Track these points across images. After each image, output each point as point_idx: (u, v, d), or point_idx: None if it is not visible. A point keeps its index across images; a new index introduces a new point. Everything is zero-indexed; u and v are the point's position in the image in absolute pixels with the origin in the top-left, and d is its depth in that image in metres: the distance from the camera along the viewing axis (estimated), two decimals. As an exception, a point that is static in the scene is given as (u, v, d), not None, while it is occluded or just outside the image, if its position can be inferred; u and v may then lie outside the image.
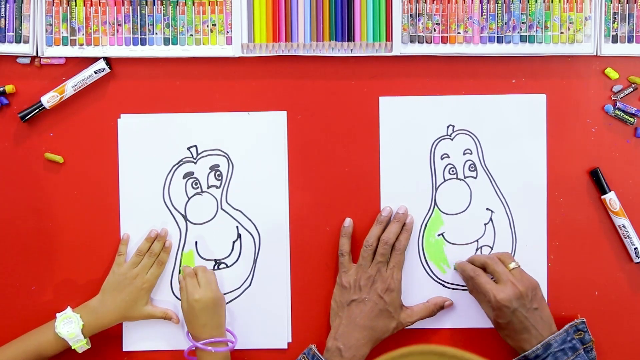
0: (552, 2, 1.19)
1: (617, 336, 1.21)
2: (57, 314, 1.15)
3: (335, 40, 1.19)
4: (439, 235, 1.21)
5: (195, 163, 1.20)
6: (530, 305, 1.12)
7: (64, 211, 1.20)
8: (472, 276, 1.15)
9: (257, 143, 1.20)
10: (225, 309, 1.18)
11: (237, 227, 1.20)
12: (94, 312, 1.16)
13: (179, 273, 1.20)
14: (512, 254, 1.21)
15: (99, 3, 1.18)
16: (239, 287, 1.21)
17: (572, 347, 1.11)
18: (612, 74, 1.20)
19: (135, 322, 1.20)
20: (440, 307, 1.20)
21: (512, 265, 1.16)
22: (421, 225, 1.21)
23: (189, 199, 1.20)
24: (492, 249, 1.21)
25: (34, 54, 1.18)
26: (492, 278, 1.15)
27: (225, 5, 1.19)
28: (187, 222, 1.20)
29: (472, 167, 1.21)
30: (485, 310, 1.16)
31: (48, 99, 1.17)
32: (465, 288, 1.20)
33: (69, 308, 1.16)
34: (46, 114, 1.19)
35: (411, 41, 1.19)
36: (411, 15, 1.19)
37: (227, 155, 1.20)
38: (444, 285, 1.21)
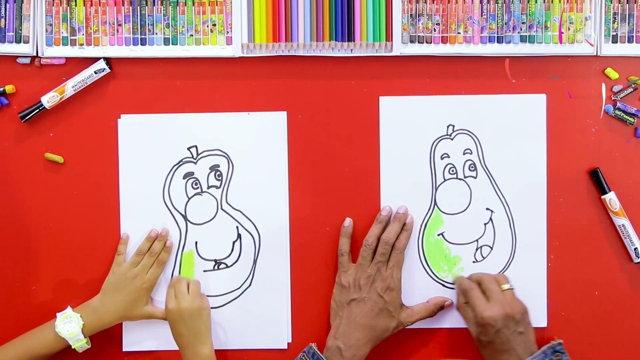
0: (552, 2, 1.19)
1: (617, 336, 1.21)
2: (57, 314, 1.15)
3: (335, 40, 1.19)
4: (438, 235, 1.21)
5: (195, 163, 1.20)
6: (515, 328, 1.11)
7: (64, 211, 1.20)
8: (467, 289, 1.16)
9: (257, 143, 1.20)
10: (206, 317, 1.17)
11: (237, 227, 1.20)
12: (94, 311, 1.16)
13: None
14: (512, 254, 1.21)
15: (99, 3, 1.18)
16: (239, 287, 1.21)
17: None
18: (612, 74, 1.20)
19: (135, 322, 1.20)
20: (440, 307, 1.20)
21: (506, 286, 1.15)
22: (421, 225, 1.21)
23: (189, 199, 1.20)
24: (491, 248, 1.21)
25: (34, 54, 1.18)
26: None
27: (225, 5, 1.19)
28: (187, 222, 1.20)
29: (472, 167, 1.21)
30: (469, 328, 1.15)
31: (48, 99, 1.17)
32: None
33: (69, 307, 1.16)
34: (46, 114, 1.19)
35: (411, 41, 1.19)
36: (411, 15, 1.19)
37: (227, 155, 1.20)
38: (444, 285, 1.21)
